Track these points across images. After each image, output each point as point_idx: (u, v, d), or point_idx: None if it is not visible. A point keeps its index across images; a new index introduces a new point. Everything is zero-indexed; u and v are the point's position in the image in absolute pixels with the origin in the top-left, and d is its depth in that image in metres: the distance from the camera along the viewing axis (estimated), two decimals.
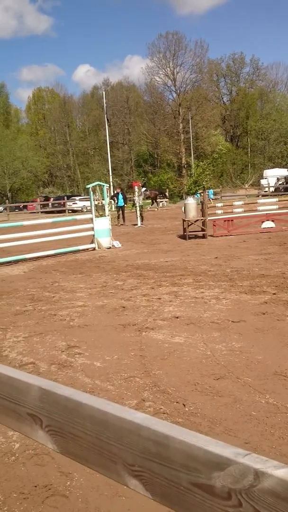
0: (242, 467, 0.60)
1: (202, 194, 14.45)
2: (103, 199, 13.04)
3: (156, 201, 36.97)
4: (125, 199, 22.83)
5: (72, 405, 0.81)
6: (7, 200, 42.32)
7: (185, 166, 58.07)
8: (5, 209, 39.19)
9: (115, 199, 22.96)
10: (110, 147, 47.69)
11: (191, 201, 13.92)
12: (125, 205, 23.12)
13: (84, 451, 0.81)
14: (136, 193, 20.64)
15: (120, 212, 22.25)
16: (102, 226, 12.69)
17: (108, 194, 13.30)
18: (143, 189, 33.24)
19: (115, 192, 23.65)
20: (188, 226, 13.57)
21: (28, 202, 49.04)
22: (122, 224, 21.55)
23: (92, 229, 12.62)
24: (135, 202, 20.69)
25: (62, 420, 0.83)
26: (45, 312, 6.14)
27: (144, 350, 4.50)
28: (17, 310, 6.38)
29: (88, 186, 13.01)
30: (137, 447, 0.72)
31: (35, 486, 2.56)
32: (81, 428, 0.80)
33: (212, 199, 33.18)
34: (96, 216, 12.67)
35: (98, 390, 3.67)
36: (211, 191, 35.91)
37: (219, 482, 0.62)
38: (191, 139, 56.00)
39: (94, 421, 0.78)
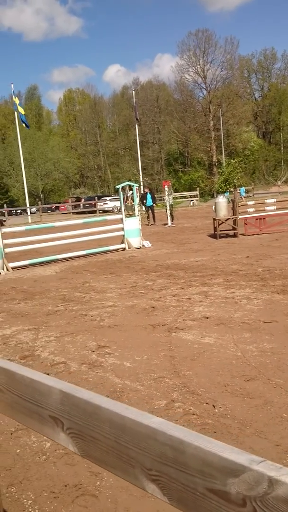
0: (256, 474, 0.60)
1: (233, 192, 14.29)
2: (132, 199, 13.08)
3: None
4: (153, 198, 22.84)
5: (91, 409, 0.83)
6: (39, 202, 43.03)
7: (216, 164, 57.57)
8: (37, 210, 39.85)
9: (144, 199, 23.00)
10: (140, 147, 47.83)
11: (221, 200, 13.79)
12: (155, 205, 23.11)
13: (104, 454, 0.82)
14: (166, 192, 20.61)
15: (150, 212, 22.28)
16: (132, 226, 12.74)
17: (137, 194, 13.33)
18: (130, 192, 32.11)
19: (144, 192, 23.69)
20: (219, 225, 13.46)
21: (59, 203, 49.70)
22: (152, 224, 21.57)
23: (122, 229, 12.69)
24: (166, 201, 20.66)
25: (82, 423, 0.85)
26: (76, 312, 6.22)
27: (174, 350, 4.49)
28: (49, 310, 6.49)
29: (117, 186, 13.08)
30: (154, 451, 0.72)
31: (65, 486, 2.59)
32: (100, 431, 0.81)
33: (244, 197, 32.81)
34: (126, 216, 12.73)
35: (128, 390, 3.69)
36: (243, 189, 35.47)
37: (234, 489, 0.62)
38: (222, 137, 55.49)
39: (113, 425, 0.79)
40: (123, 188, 13.07)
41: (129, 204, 12.86)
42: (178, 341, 4.73)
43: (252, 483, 0.60)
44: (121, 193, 12.81)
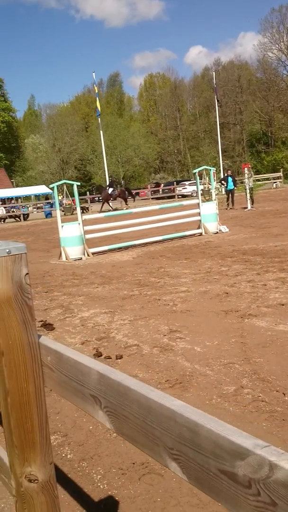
0: (259, 458, 0.62)
1: None
2: (210, 184, 12.92)
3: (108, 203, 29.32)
4: (234, 182, 22.36)
5: (123, 389, 0.89)
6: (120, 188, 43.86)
7: None
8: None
9: (225, 182, 22.60)
10: (220, 128, 46.92)
11: None
12: (235, 188, 22.64)
13: (134, 432, 0.88)
14: (246, 175, 20.10)
15: (230, 195, 21.87)
16: (209, 211, 12.62)
17: (215, 178, 13.14)
18: (111, 189, 29.44)
19: (225, 175, 23.25)
20: None
21: (139, 189, 50.30)
22: (231, 208, 21.18)
23: (199, 214, 12.62)
24: (245, 184, 20.16)
25: (116, 403, 0.91)
26: (150, 297, 6.35)
27: (246, 337, 4.46)
28: (125, 294, 6.68)
29: (194, 171, 13.00)
30: (174, 432, 0.77)
31: (133, 463, 2.71)
32: (131, 411, 0.87)
33: None
34: (203, 201, 12.63)
35: (197, 374, 3.73)
36: None
37: (241, 471, 0.65)
38: None
39: (140, 406, 0.84)
40: (200, 172, 12.95)
41: (206, 189, 12.72)
42: (251, 328, 4.67)
43: (256, 466, 0.63)
44: (197, 177, 12.72)
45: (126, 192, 30.85)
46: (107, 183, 31.25)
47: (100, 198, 30.98)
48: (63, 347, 1.15)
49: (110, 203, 29.49)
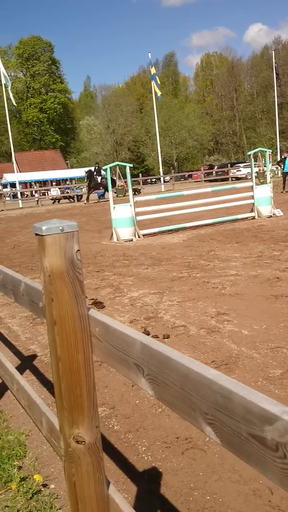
0: (286, 423, 0.67)
1: None
2: (265, 166, 12.64)
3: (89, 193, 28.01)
4: None
5: (164, 359, 0.95)
6: (172, 170, 43.67)
7: None
8: (171, 178, 40.50)
9: (282, 164, 21.95)
10: (279, 109, 45.38)
11: None
12: None
13: (173, 398, 0.94)
14: None
15: (286, 178, 21.23)
16: (263, 194, 12.35)
17: (270, 160, 12.83)
18: (99, 178, 26.94)
19: (283, 157, 22.56)
20: None
21: (192, 171, 49.83)
22: (287, 191, 20.60)
23: (252, 197, 12.39)
24: None
25: (157, 371, 0.98)
26: (199, 279, 6.38)
27: None
28: (174, 276, 6.74)
29: (249, 152, 12.73)
30: (209, 398, 0.82)
31: (177, 438, 2.79)
32: (171, 378, 0.94)
33: None
34: (257, 184, 12.37)
35: (244, 357, 3.76)
36: None
37: (269, 435, 0.70)
38: None
39: (179, 374, 0.90)
40: (255, 154, 12.68)
41: (261, 171, 12.45)
42: None
43: (283, 431, 0.67)
44: (252, 159, 12.45)
45: (101, 186, 26.94)
46: (95, 170, 27.72)
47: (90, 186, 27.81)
48: (110, 319, 1.23)
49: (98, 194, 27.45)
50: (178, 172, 49.82)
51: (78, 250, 1.32)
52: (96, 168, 27.88)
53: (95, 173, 27.33)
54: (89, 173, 27.68)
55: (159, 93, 37.42)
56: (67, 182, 42.63)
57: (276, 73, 43.75)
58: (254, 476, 2.32)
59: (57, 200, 33.53)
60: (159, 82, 37.88)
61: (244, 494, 2.23)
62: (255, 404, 0.72)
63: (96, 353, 1.32)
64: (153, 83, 37.54)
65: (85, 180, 28.98)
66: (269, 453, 0.71)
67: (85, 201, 27.81)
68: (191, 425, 2.96)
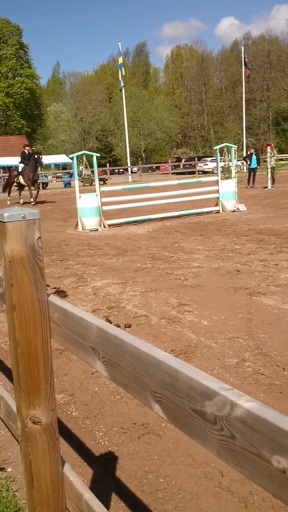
0: (223, 398, 0.74)
1: None
2: (230, 161, 12.84)
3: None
4: (258, 160, 22.09)
5: (118, 342, 1.01)
6: (140, 161, 43.63)
7: None
8: (138, 169, 40.50)
9: (248, 160, 22.35)
10: (246, 105, 46.00)
11: None
12: (258, 167, 22.37)
13: (126, 379, 1.00)
14: (268, 154, 19.84)
15: (252, 174, 21.64)
16: (228, 188, 12.58)
17: (235, 156, 13.05)
18: (21, 166, 18.30)
19: (249, 153, 22.95)
20: None
21: (160, 163, 49.93)
22: (251, 187, 21.00)
23: (217, 191, 12.59)
24: (267, 163, 19.92)
25: (111, 353, 1.04)
26: (162, 270, 6.47)
27: (252, 313, 4.56)
28: (138, 266, 6.81)
29: (215, 147, 12.90)
30: (158, 378, 0.89)
31: (134, 424, 2.87)
32: (124, 360, 0.99)
33: None
34: (222, 178, 12.58)
35: (202, 346, 3.87)
36: None
37: (209, 410, 0.77)
38: None
39: (132, 356, 0.96)
40: (221, 149, 12.86)
41: (226, 166, 12.65)
42: (258, 305, 4.77)
43: (220, 405, 0.74)
44: (218, 154, 12.63)
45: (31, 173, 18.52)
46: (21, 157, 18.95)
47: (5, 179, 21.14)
48: (69, 305, 1.27)
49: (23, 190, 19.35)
50: (146, 164, 49.85)
51: (39, 238, 1.35)
52: (32, 152, 19.01)
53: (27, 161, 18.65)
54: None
55: (121, 84, 37.13)
56: None
57: (248, 68, 44.24)
58: (206, 459, 2.42)
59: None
60: (123, 73, 37.50)
61: (196, 477, 2.33)
62: (197, 381, 0.79)
63: (54, 338, 1.36)
64: (120, 73, 37.20)
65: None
66: (209, 426, 0.78)
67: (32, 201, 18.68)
68: (148, 410, 3.06)
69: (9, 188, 20.49)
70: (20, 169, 18.64)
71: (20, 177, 18.69)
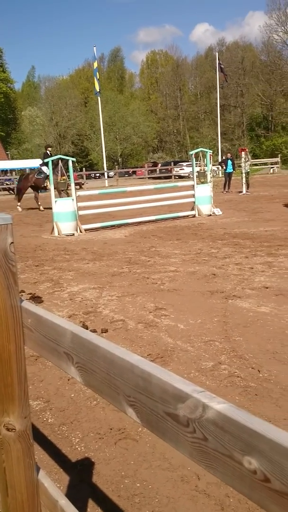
0: (195, 400, 0.74)
1: None
2: (205, 166, 12.97)
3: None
4: (233, 165, 22.36)
5: (92, 347, 1.01)
6: (117, 166, 43.62)
7: None
8: (115, 174, 40.49)
9: (223, 165, 22.60)
10: (221, 110, 46.55)
11: None
12: (233, 172, 22.65)
13: (99, 383, 1.00)
14: (243, 159, 20.10)
15: (227, 178, 21.88)
16: (203, 193, 12.69)
17: (211, 160, 13.19)
18: (45, 168, 16.31)
19: (224, 158, 23.21)
20: None
21: (137, 167, 50.04)
22: (227, 192, 21.24)
23: (193, 196, 12.69)
24: (242, 168, 20.18)
25: (85, 359, 1.03)
26: (139, 274, 6.48)
27: (228, 316, 4.60)
28: (114, 271, 6.80)
29: (191, 152, 13.01)
30: (131, 382, 0.89)
31: (111, 429, 2.86)
32: (98, 365, 0.99)
33: None
34: (198, 183, 12.69)
35: (178, 350, 3.89)
36: None
37: (182, 412, 0.77)
38: None
39: (106, 360, 0.96)
40: (196, 154, 12.98)
41: (202, 171, 12.78)
42: (234, 308, 4.82)
43: (192, 407, 0.75)
44: (193, 159, 12.74)
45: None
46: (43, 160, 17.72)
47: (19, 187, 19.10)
48: (42, 310, 1.26)
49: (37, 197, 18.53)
50: (122, 168, 49.89)
51: (12, 243, 1.34)
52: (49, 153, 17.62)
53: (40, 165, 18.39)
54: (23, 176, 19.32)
55: (97, 89, 37.12)
56: (8, 174, 41.41)
57: (224, 74, 44.74)
58: (182, 463, 2.43)
59: None
60: (98, 77, 37.50)
61: (173, 481, 2.34)
62: (170, 384, 0.79)
63: (28, 344, 1.35)
64: (95, 79, 37.18)
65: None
66: (181, 429, 0.78)
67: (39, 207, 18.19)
68: (125, 416, 3.07)
69: (23, 192, 18.89)
70: (46, 172, 16.48)
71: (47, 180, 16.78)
